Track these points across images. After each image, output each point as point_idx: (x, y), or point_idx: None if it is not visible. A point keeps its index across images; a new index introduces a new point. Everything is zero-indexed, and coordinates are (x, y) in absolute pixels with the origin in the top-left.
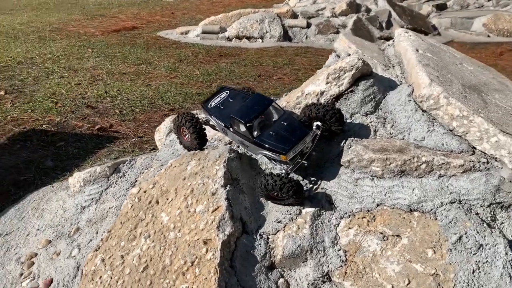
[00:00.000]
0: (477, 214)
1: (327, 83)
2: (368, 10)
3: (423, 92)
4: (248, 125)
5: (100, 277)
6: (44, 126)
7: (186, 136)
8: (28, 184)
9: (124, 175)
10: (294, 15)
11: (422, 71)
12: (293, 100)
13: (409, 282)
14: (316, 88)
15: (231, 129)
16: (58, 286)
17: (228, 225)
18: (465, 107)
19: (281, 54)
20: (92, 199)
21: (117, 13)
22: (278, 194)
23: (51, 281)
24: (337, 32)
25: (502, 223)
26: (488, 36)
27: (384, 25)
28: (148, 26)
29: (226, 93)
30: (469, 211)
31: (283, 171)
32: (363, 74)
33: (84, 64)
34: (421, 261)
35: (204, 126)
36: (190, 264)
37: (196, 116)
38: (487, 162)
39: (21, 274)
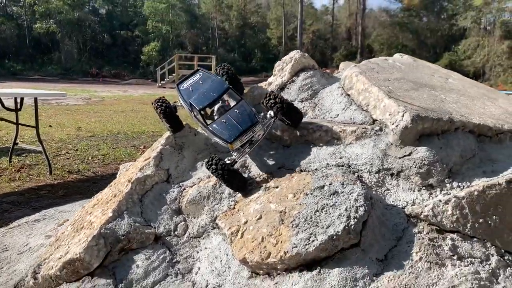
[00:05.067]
0: (360, 177)
1: (274, 75)
2: None
3: (343, 74)
4: (201, 111)
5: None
6: None
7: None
8: None
9: None
10: None
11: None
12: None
13: (260, 217)
14: (269, 79)
15: (193, 112)
16: None
17: (148, 169)
18: (368, 81)
19: None
20: None
21: None
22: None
23: None
24: None
25: (388, 189)
26: None
27: None
28: None
29: (200, 75)
30: (352, 173)
31: (233, 156)
32: (305, 66)
33: None
34: (277, 202)
35: (177, 110)
36: (114, 196)
37: (166, 101)
38: (380, 130)
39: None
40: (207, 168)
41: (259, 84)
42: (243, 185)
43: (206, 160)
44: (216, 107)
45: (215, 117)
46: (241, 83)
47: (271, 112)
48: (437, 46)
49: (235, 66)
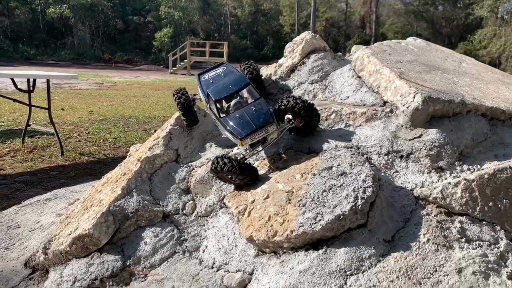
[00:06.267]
0: (369, 159)
1: (284, 56)
2: None
3: (355, 56)
4: (217, 103)
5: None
6: None
7: None
8: None
9: None
10: None
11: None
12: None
13: (268, 197)
14: (279, 61)
15: (209, 103)
16: None
17: (158, 149)
18: (379, 62)
19: None
20: None
21: None
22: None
23: None
24: None
25: (397, 171)
26: None
27: None
28: None
29: (223, 68)
30: (361, 155)
31: (241, 154)
32: (316, 48)
33: None
34: (285, 182)
35: (195, 103)
36: (123, 174)
37: (186, 94)
38: (391, 112)
39: None
40: (218, 170)
41: (268, 66)
42: (256, 177)
43: (212, 163)
44: (233, 102)
45: (231, 112)
46: (263, 84)
47: (289, 116)
48: (452, 36)
49: (247, 53)
